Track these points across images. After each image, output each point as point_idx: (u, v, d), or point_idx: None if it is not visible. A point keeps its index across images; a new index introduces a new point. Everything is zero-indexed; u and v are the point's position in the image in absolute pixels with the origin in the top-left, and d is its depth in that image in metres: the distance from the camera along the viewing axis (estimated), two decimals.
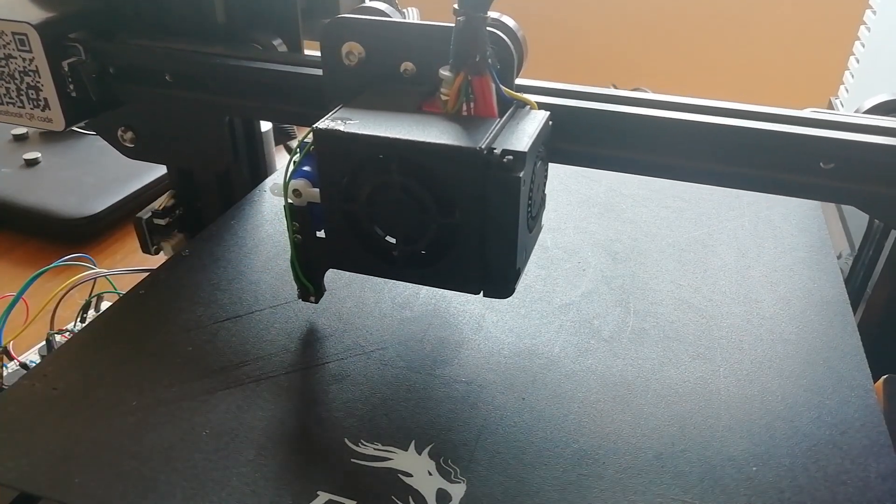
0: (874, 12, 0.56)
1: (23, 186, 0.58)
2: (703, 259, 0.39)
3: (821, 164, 0.29)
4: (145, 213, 0.43)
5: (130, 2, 0.37)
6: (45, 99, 0.36)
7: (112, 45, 0.36)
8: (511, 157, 0.25)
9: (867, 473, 0.26)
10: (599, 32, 1.17)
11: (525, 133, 0.27)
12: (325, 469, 0.26)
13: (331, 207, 0.28)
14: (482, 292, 0.28)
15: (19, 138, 0.65)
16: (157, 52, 0.36)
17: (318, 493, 0.25)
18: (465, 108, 0.28)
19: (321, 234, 0.30)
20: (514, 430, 0.28)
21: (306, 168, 0.29)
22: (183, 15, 0.37)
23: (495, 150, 0.25)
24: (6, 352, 0.39)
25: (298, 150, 0.29)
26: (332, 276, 0.32)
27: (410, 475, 0.26)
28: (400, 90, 0.30)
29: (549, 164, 0.30)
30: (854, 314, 0.36)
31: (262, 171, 0.46)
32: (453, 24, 0.27)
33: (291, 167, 0.29)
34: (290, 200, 0.29)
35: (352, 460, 0.27)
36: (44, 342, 0.40)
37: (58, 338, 0.40)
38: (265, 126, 0.45)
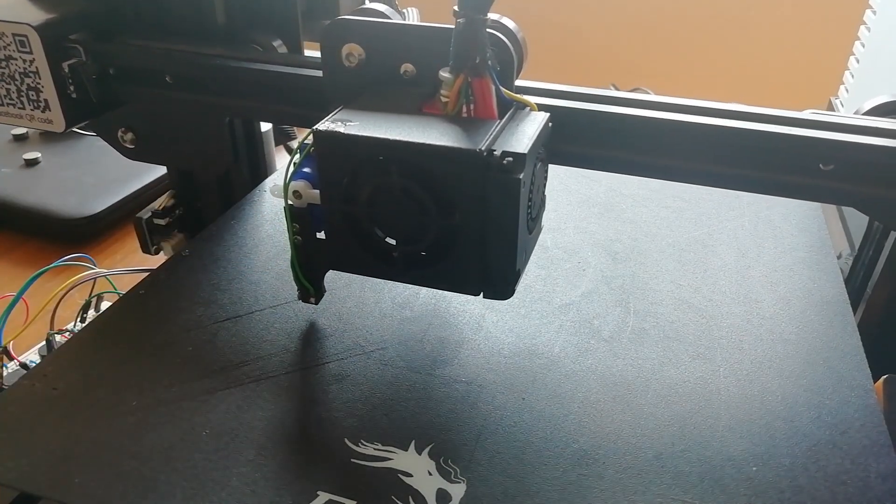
0: (874, 12, 0.56)
1: (23, 186, 0.58)
2: (703, 259, 0.39)
3: (820, 165, 0.29)
4: (145, 213, 0.43)
5: (131, 3, 0.37)
6: (46, 100, 0.36)
7: (112, 47, 0.36)
8: (511, 158, 0.25)
9: (867, 473, 0.26)
10: (599, 33, 1.17)
11: (525, 135, 0.27)
12: (325, 469, 0.26)
13: (331, 209, 0.28)
14: (482, 293, 0.28)
15: (19, 138, 0.65)
16: (158, 53, 0.36)
17: (318, 493, 0.25)
18: (465, 109, 0.28)
19: (321, 235, 0.30)
20: (514, 430, 0.28)
21: (306, 169, 0.29)
22: (183, 16, 0.37)
23: (495, 152, 0.25)
24: (6, 352, 0.39)
25: (298, 151, 0.29)
26: (332, 277, 0.32)
27: (410, 475, 0.26)
28: (400, 92, 0.30)
29: (549, 165, 0.30)
30: (854, 314, 0.36)
31: (262, 171, 0.46)
32: (453, 26, 0.27)
33: (291, 168, 0.29)
34: (290, 202, 0.29)
35: (352, 460, 0.27)
36: (44, 342, 0.40)
37: (58, 338, 0.40)
38: (265, 126, 0.45)
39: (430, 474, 0.26)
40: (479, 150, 0.25)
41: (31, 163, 0.60)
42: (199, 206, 0.44)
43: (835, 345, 0.33)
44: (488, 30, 0.27)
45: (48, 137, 0.64)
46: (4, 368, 0.38)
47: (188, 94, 0.36)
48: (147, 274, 0.37)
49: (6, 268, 0.53)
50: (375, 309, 0.35)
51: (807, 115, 0.29)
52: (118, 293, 0.40)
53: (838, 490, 0.26)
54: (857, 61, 0.58)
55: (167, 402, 0.29)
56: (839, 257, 0.42)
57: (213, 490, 0.25)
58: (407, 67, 0.30)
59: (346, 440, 0.28)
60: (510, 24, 0.31)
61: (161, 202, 0.43)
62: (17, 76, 0.36)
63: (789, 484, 0.26)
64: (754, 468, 0.27)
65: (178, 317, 0.34)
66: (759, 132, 0.29)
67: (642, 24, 1.13)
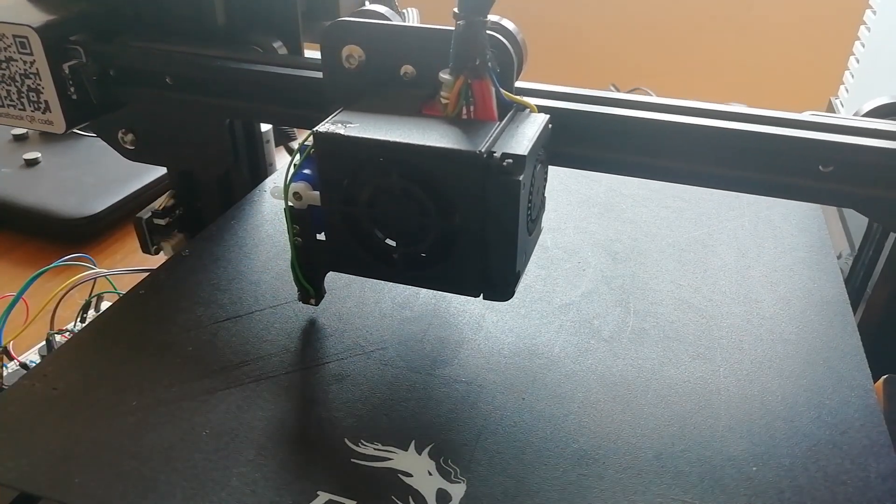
0: (874, 12, 0.56)
1: (23, 186, 0.58)
2: (703, 259, 0.39)
3: (820, 167, 0.29)
4: (145, 213, 0.43)
5: (131, 4, 0.37)
6: (46, 101, 0.36)
7: (112, 48, 0.36)
8: (511, 160, 0.25)
9: (867, 473, 0.27)
10: (599, 33, 1.17)
11: (525, 136, 0.27)
12: (325, 469, 0.26)
13: (331, 210, 0.28)
14: (482, 295, 0.28)
15: (19, 138, 0.65)
16: (158, 54, 0.36)
17: (318, 493, 0.25)
18: (465, 111, 0.28)
19: (321, 236, 0.30)
20: (514, 430, 0.28)
21: (306, 171, 0.29)
22: (183, 17, 0.37)
23: (495, 154, 0.25)
24: (6, 352, 0.39)
25: (299, 152, 0.29)
26: (332, 277, 0.32)
27: (410, 475, 0.26)
28: (400, 93, 0.30)
29: (549, 166, 0.30)
30: (854, 314, 0.36)
31: (262, 171, 0.46)
32: (453, 28, 0.27)
33: (292, 170, 0.29)
34: (290, 203, 0.29)
35: (352, 460, 0.27)
36: (44, 342, 0.40)
37: (58, 338, 0.40)
38: (265, 126, 0.45)
39: (430, 474, 0.26)
40: (479, 151, 0.25)
41: (31, 163, 0.60)
42: (199, 206, 0.44)
43: (835, 345, 0.33)
44: (488, 31, 0.27)
45: (48, 137, 0.64)
46: (4, 368, 0.38)
47: (188, 95, 0.36)
48: (147, 274, 0.37)
49: (6, 268, 0.53)
50: (375, 309, 0.35)
51: (806, 116, 0.29)
52: (118, 293, 0.40)
53: (838, 490, 0.26)
54: (857, 61, 0.58)
55: (167, 402, 0.29)
56: (839, 257, 0.42)
57: (213, 490, 0.25)
58: (407, 69, 0.30)
59: (346, 440, 0.28)
60: (510, 25, 0.31)
61: (161, 202, 0.43)
62: (17, 77, 0.36)
63: (789, 484, 0.26)
64: (754, 468, 0.27)
65: (178, 317, 0.34)
66: (759, 134, 0.29)
67: (642, 24, 1.13)
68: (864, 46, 0.57)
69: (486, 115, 0.28)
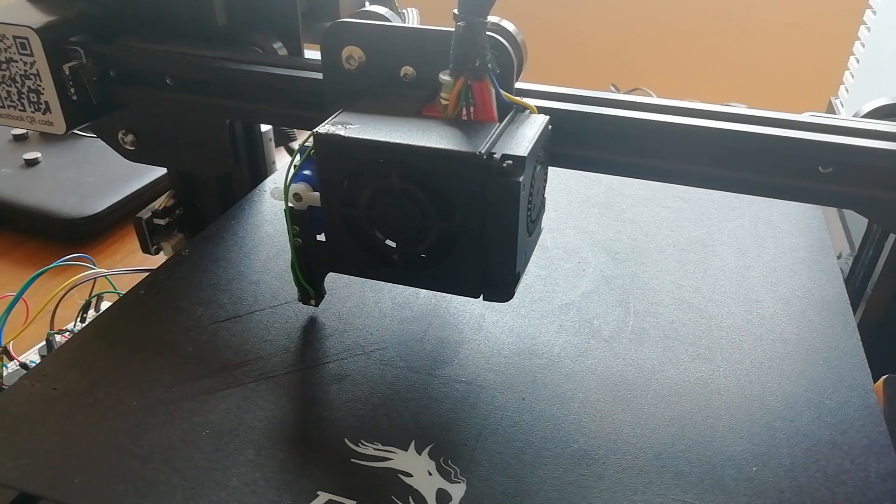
0: (874, 12, 0.56)
1: (23, 186, 0.58)
2: (703, 259, 0.39)
3: (819, 168, 0.29)
4: (145, 213, 0.43)
5: (131, 5, 0.37)
6: (46, 102, 0.36)
7: (113, 49, 0.36)
8: (511, 161, 0.25)
9: (867, 473, 0.27)
10: (599, 33, 1.17)
11: (525, 137, 0.27)
12: (325, 469, 0.26)
13: (331, 211, 0.28)
14: (482, 296, 0.28)
15: (19, 138, 0.65)
16: (158, 55, 0.36)
17: (318, 493, 0.25)
18: (465, 112, 0.28)
19: (321, 237, 0.30)
20: (514, 430, 0.28)
21: (306, 172, 0.29)
22: (183, 18, 0.37)
23: (495, 155, 0.25)
24: (6, 352, 0.39)
25: (299, 153, 0.29)
26: (333, 276, 0.32)
27: (410, 475, 0.26)
28: (400, 94, 0.30)
29: (549, 167, 0.30)
30: (854, 314, 0.36)
31: (262, 171, 0.46)
32: (453, 29, 0.27)
33: (292, 171, 0.29)
34: (290, 204, 0.29)
35: (352, 460, 0.27)
36: (44, 342, 0.40)
37: (58, 338, 0.40)
38: (265, 126, 0.45)
39: (430, 474, 0.26)
40: (479, 153, 0.25)
41: (31, 163, 0.60)
42: (199, 206, 0.44)
43: (835, 345, 0.33)
44: (488, 33, 0.27)
45: (48, 137, 0.64)
46: (4, 368, 0.38)
47: (188, 96, 0.36)
48: (147, 274, 0.37)
49: (6, 268, 0.53)
50: (375, 309, 0.35)
51: (806, 117, 0.29)
52: (118, 293, 0.40)
53: (838, 490, 0.26)
54: (857, 61, 0.58)
55: (167, 402, 0.29)
56: (839, 257, 0.42)
57: (213, 490, 0.25)
58: (407, 70, 0.30)
59: (346, 440, 0.28)
60: (510, 26, 0.31)
61: (161, 202, 0.43)
62: (17, 78, 0.36)
63: (789, 484, 0.26)
64: (754, 468, 0.27)
65: (178, 317, 0.34)
66: (759, 135, 0.29)
67: (642, 24, 1.14)
68: (864, 46, 0.57)
69: (486, 116, 0.28)
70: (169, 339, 0.32)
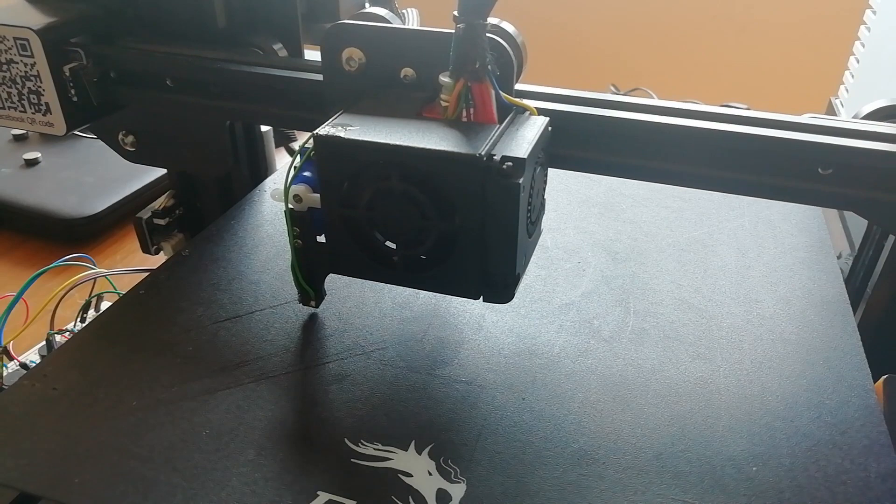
0: (874, 12, 0.56)
1: (23, 186, 0.58)
2: (703, 259, 0.39)
3: (819, 169, 0.29)
4: (145, 213, 0.43)
5: (131, 6, 0.37)
6: (47, 103, 0.36)
7: (113, 50, 0.36)
8: (511, 163, 0.25)
9: (867, 473, 0.27)
10: (599, 33, 1.17)
11: (525, 139, 0.27)
12: (325, 469, 0.26)
13: (331, 212, 0.28)
14: (482, 297, 0.28)
15: (19, 138, 0.65)
16: (158, 56, 0.36)
17: (318, 493, 0.25)
18: (464, 114, 0.28)
19: (321, 238, 0.30)
20: (514, 430, 0.28)
21: (307, 173, 0.29)
22: (183, 19, 0.37)
23: (495, 157, 0.25)
24: (6, 352, 0.39)
25: (299, 155, 0.29)
26: (333, 276, 0.32)
27: (410, 475, 0.26)
28: (400, 96, 0.30)
29: (549, 168, 0.30)
30: (854, 314, 0.36)
31: (262, 171, 0.46)
32: (453, 31, 0.27)
33: (292, 172, 0.29)
34: (290, 205, 0.29)
35: (352, 460, 0.27)
36: (44, 342, 0.40)
37: (58, 338, 0.40)
38: (265, 126, 0.45)
39: (430, 474, 0.26)
40: (479, 154, 0.25)
41: (31, 163, 0.60)
42: (199, 206, 0.44)
43: (835, 345, 0.33)
44: (488, 34, 0.27)
45: (48, 137, 0.64)
46: (4, 368, 0.38)
47: (189, 97, 0.36)
48: (147, 274, 0.37)
49: (6, 268, 0.53)
50: (375, 309, 0.35)
51: (805, 119, 0.30)
52: (118, 293, 0.40)
53: (838, 490, 0.26)
54: (857, 61, 0.58)
55: (167, 402, 0.29)
56: (839, 257, 0.42)
57: (213, 490, 0.25)
58: (407, 72, 0.30)
59: (346, 440, 0.28)
60: (510, 28, 0.31)
61: (161, 202, 0.43)
62: (18, 80, 0.36)
63: (789, 484, 0.26)
64: (754, 468, 0.27)
65: (178, 317, 0.34)
66: (758, 136, 0.29)
67: (642, 24, 1.14)
68: (864, 46, 0.57)
69: (486, 117, 0.28)
70: (169, 339, 0.32)
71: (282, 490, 0.26)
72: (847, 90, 0.59)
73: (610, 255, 0.39)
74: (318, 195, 0.28)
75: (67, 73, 0.35)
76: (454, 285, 0.28)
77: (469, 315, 0.35)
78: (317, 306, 0.33)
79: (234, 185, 0.44)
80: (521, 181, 0.25)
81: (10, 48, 0.35)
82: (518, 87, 0.31)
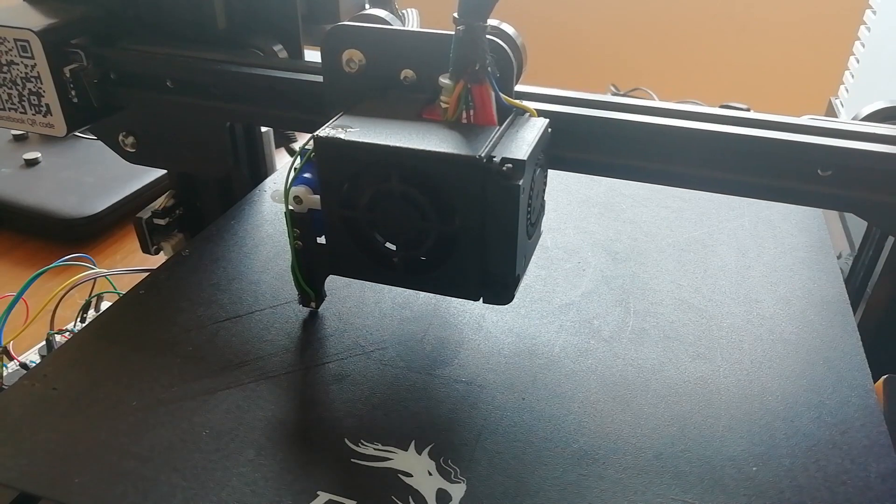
0: (874, 12, 0.56)
1: (23, 186, 0.58)
2: (703, 259, 0.39)
3: (818, 171, 0.29)
4: (145, 213, 0.43)
5: (131, 8, 0.37)
6: (47, 105, 0.36)
7: (113, 52, 0.36)
8: (510, 165, 0.25)
9: (867, 473, 0.27)
10: (599, 33, 1.17)
11: (524, 141, 0.27)
12: (325, 469, 0.26)
13: (331, 214, 0.28)
14: (482, 298, 0.28)
15: (19, 138, 0.65)
16: (158, 58, 0.36)
17: (318, 493, 0.25)
18: (464, 115, 0.28)
19: (322, 240, 0.30)
20: (514, 430, 0.28)
21: (307, 175, 0.29)
22: (183, 20, 0.37)
23: (495, 159, 0.25)
24: (6, 352, 0.39)
25: (299, 156, 0.29)
26: (333, 276, 0.32)
27: (410, 475, 0.26)
28: (400, 98, 0.30)
29: (549, 169, 0.30)
30: (854, 314, 0.36)
31: (262, 171, 0.46)
32: (453, 33, 0.27)
33: (292, 174, 0.29)
34: (290, 207, 0.29)
35: (352, 460, 0.27)
36: (44, 342, 0.40)
37: (58, 338, 0.40)
38: (265, 127, 0.45)
39: (430, 474, 0.26)
40: (479, 156, 0.25)
41: (31, 163, 0.60)
42: (199, 206, 0.44)
43: (835, 345, 0.33)
44: (488, 36, 0.27)
45: (48, 137, 0.64)
46: (4, 368, 0.38)
47: (189, 98, 0.36)
48: (147, 274, 0.37)
49: (6, 268, 0.53)
50: (375, 309, 0.35)
51: (805, 120, 0.30)
52: (118, 293, 0.40)
53: (838, 490, 0.26)
54: (858, 61, 0.58)
55: (167, 402, 0.29)
56: (839, 257, 0.42)
57: (213, 490, 0.25)
58: (407, 73, 0.30)
59: (346, 440, 0.28)
60: (510, 29, 0.31)
61: (161, 202, 0.43)
62: (18, 81, 0.36)
63: (789, 484, 0.26)
64: (754, 468, 0.27)
65: (178, 317, 0.34)
66: (758, 138, 0.29)
67: (642, 24, 1.14)
68: (864, 46, 0.57)
69: (486, 119, 0.28)
70: (169, 339, 0.32)
71: (282, 490, 0.26)
72: (847, 90, 0.59)
73: (610, 255, 0.39)
74: (318, 196, 0.28)
75: (68, 75, 0.35)
76: (454, 287, 0.29)
77: (469, 315, 0.35)
78: (317, 308, 0.33)
79: (235, 185, 0.44)
80: (520, 183, 0.25)
81: (10, 49, 0.35)
82: (518, 88, 0.31)
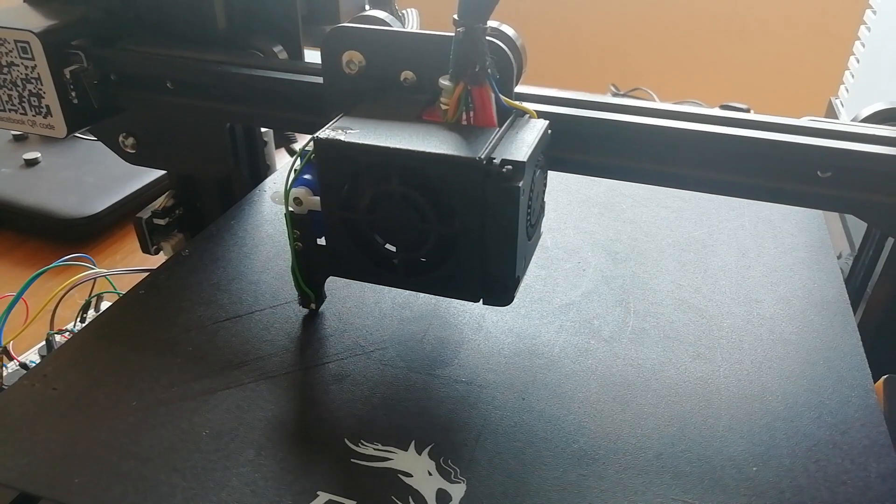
0: (874, 12, 0.56)
1: (23, 186, 0.58)
2: (703, 259, 0.39)
3: (818, 173, 0.29)
4: (145, 213, 0.43)
5: (131, 9, 0.37)
6: (47, 106, 0.36)
7: (113, 53, 0.36)
8: (510, 166, 0.25)
9: (867, 473, 0.27)
10: (599, 33, 1.17)
11: (524, 142, 0.27)
12: (325, 469, 0.26)
13: (331, 215, 0.28)
14: (482, 300, 0.28)
15: (19, 138, 0.65)
16: (158, 59, 0.36)
17: (318, 493, 0.25)
18: (464, 117, 0.28)
19: (322, 241, 0.30)
20: (514, 430, 0.28)
21: (307, 176, 0.29)
22: (184, 21, 0.37)
23: (495, 160, 0.25)
24: (6, 352, 0.39)
25: (299, 157, 0.29)
26: (332, 277, 0.32)
27: (410, 475, 0.26)
28: (400, 99, 0.30)
29: (549, 171, 0.30)
30: (854, 314, 0.36)
31: (262, 171, 0.46)
32: (453, 34, 0.27)
33: (292, 175, 0.29)
34: (290, 208, 0.29)
35: (352, 460, 0.27)
36: (44, 342, 0.40)
37: (58, 338, 0.40)
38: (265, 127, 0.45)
39: (430, 474, 0.26)
40: (479, 158, 0.25)
41: (31, 163, 0.60)
42: (199, 207, 0.44)
43: (835, 345, 0.33)
44: (488, 38, 0.27)
45: (48, 138, 0.64)
46: (4, 368, 0.38)
47: (189, 99, 0.36)
48: (147, 274, 0.37)
49: (6, 268, 0.53)
50: (375, 309, 0.35)
51: (804, 122, 0.30)
52: (118, 293, 0.40)
53: (838, 490, 0.26)
54: (858, 61, 0.58)
55: (167, 402, 0.29)
56: (839, 257, 0.42)
57: (213, 490, 0.25)
58: (407, 75, 0.30)
59: (346, 440, 0.28)
60: (510, 31, 0.31)
61: (161, 202, 0.43)
62: (18, 82, 0.36)
63: (789, 484, 0.26)
64: (754, 468, 0.27)
65: (178, 317, 0.34)
66: (758, 140, 0.29)
67: (642, 24, 1.14)
68: (864, 46, 0.57)
69: (486, 121, 0.28)
70: (169, 339, 0.32)
71: (282, 490, 0.26)
72: (847, 90, 0.59)
73: (610, 255, 0.39)
74: (318, 198, 0.29)
75: (68, 76, 0.35)
76: (454, 288, 0.29)
77: (469, 315, 0.35)
78: (317, 309, 0.34)
79: (235, 185, 0.44)
80: (520, 184, 0.25)
81: (10, 51, 0.35)
82: (518, 89, 0.31)
